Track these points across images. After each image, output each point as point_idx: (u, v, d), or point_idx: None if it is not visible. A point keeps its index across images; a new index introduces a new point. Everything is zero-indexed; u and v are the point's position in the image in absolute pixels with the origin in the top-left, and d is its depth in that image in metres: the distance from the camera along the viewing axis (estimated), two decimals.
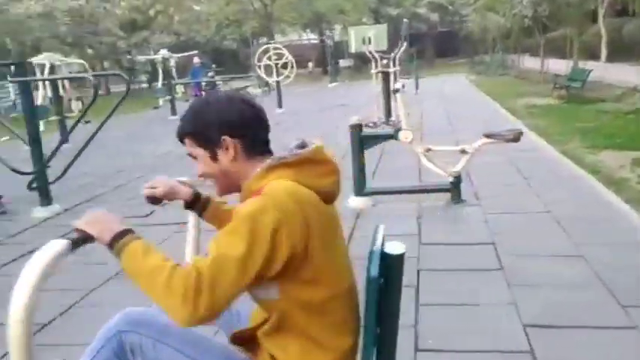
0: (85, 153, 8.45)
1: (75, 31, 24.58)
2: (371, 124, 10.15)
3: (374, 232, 1.47)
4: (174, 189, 1.78)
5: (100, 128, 5.91)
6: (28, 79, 5.38)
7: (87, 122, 15.30)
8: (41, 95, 14.80)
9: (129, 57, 25.79)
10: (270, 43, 18.66)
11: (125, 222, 1.47)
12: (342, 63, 34.96)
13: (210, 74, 11.52)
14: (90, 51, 25.17)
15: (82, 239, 1.44)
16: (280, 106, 15.60)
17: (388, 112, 10.90)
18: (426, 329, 2.94)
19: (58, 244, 1.35)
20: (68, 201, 6.15)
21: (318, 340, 1.45)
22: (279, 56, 16.39)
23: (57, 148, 6.26)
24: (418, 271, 3.69)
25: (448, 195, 5.26)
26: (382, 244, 1.42)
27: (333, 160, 1.52)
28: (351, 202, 5.36)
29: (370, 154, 6.94)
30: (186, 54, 20.82)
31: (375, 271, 1.32)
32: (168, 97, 16.42)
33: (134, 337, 1.48)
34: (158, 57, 16.94)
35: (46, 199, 5.81)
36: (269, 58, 16.18)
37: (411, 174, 6.32)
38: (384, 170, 6.92)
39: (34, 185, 5.74)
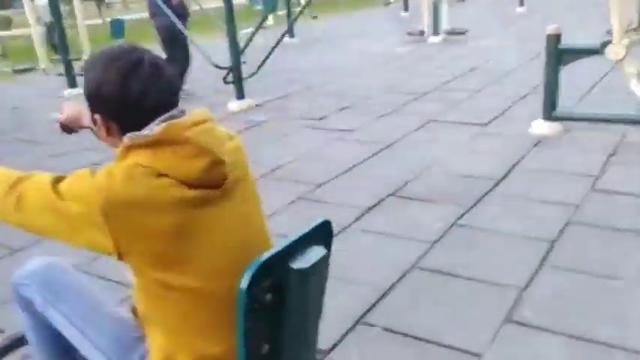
0: (308, 49, 8.42)
1: None
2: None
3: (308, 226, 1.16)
4: (77, 116, 1.62)
5: (287, 31, 5.96)
6: None
7: (314, 17, 15.73)
8: None
9: None
10: None
11: None
12: None
13: None
14: None
15: None
16: (522, 3, 13.89)
17: None
18: (533, 297, 2.42)
19: None
20: (261, 96, 6.45)
21: (180, 340, 1.24)
22: None
23: (279, 42, 6.63)
24: (566, 224, 3.03)
25: None
26: (296, 247, 1.11)
27: (197, 139, 1.18)
28: (535, 126, 4.58)
29: (589, 70, 5.78)
30: None
31: (245, 283, 1.02)
32: None
33: (28, 291, 1.45)
34: None
35: (240, 93, 6.21)
36: None
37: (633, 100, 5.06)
38: (600, 92, 5.71)
39: (228, 80, 6.16)
